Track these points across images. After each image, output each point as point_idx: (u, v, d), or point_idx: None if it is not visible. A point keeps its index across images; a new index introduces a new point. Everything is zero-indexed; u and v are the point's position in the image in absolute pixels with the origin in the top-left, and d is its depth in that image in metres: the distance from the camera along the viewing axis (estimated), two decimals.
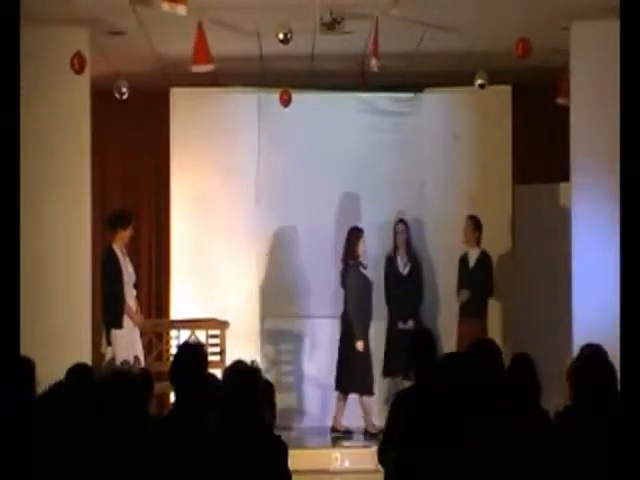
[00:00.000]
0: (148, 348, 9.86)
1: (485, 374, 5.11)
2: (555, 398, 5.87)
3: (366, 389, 10.29)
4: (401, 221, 10.78)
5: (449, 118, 11.31)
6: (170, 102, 11.15)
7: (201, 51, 8.54)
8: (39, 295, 8.64)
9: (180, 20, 8.13)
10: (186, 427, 4.80)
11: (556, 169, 10.45)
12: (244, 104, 11.22)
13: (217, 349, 9.94)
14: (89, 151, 9.15)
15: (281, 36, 8.49)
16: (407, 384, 7.18)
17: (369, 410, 10.34)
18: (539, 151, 11.40)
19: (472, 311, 10.43)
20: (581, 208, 9.08)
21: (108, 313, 9.17)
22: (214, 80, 10.32)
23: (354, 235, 10.48)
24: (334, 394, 10.51)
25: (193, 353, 5.15)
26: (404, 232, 10.71)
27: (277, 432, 4.85)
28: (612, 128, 7.51)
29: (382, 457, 5.80)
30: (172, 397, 5.20)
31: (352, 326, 10.28)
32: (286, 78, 10.48)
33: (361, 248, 10.46)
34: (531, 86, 10.79)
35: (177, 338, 10.01)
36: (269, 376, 5.08)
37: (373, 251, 10.96)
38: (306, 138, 11.17)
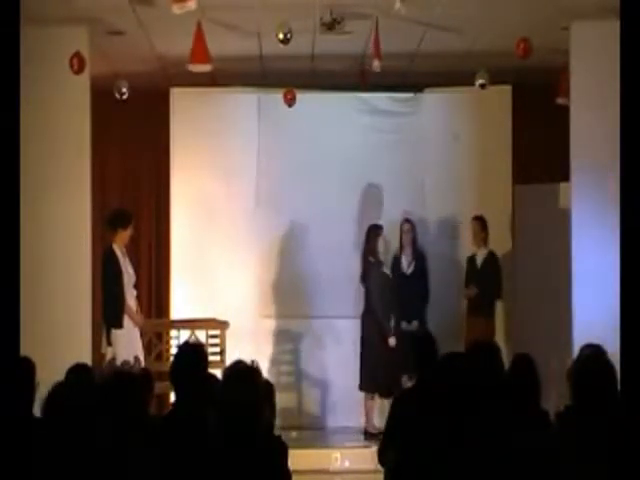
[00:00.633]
0: (148, 348, 9.86)
1: (485, 374, 5.11)
2: (555, 398, 5.88)
3: (385, 391, 10.13)
4: (407, 221, 10.77)
5: (449, 118, 11.31)
6: (170, 102, 11.16)
7: (199, 50, 8.53)
8: (39, 295, 8.64)
9: (180, 20, 8.13)
10: (186, 427, 4.80)
11: (556, 169, 10.45)
12: (244, 104, 11.23)
13: (217, 349, 9.94)
14: (89, 151, 9.15)
15: (281, 36, 8.49)
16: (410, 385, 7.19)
17: (373, 411, 10.33)
18: (539, 151, 11.40)
19: (479, 311, 10.45)
20: (581, 208, 9.08)
21: (108, 313, 9.17)
22: (214, 80, 10.33)
23: (373, 232, 10.49)
24: (354, 395, 10.49)
25: (193, 353, 5.15)
26: (410, 231, 10.70)
27: (277, 432, 4.85)
28: (612, 128, 7.51)
29: (382, 457, 5.80)
30: (172, 397, 5.20)
31: (379, 324, 10.25)
32: (286, 78, 10.48)
33: (381, 245, 10.45)
34: (531, 86, 10.80)
35: (177, 338, 10.02)
36: (269, 376, 5.08)
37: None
38: (306, 138, 11.17)
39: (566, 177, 9.47)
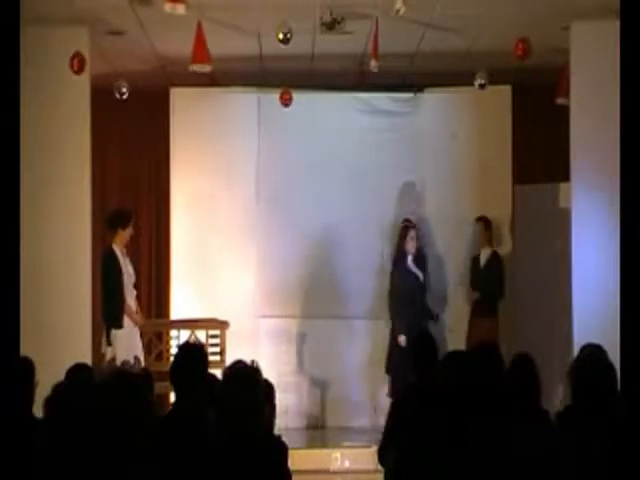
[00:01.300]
0: (148, 348, 9.85)
1: (485, 374, 5.11)
2: (555, 398, 5.88)
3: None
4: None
5: (449, 118, 11.30)
6: (170, 102, 11.15)
7: (200, 51, 8.54)
8: (39, 295, 8.64)
9: (180, 20, 8.13)
10: (186, 427, 4.80)
11: (556, 169, 10.46)
12: (244, 104, 11.22)
13: (217, 349, 9.93)
14: (89, 151, 9.15)
15: (281, 36, 8.49)
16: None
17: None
18: (539, 151, 11.40)
19: (482, 311, 10.47)
20: (581, 208, 9.08)
21: (108, 313, 9.17)
22: (214, 80, 10.33)
23: (402, 230, 10.52)
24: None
25: (193, 353, 5.15)
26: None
27: (277, 432, 4.85)
28: (612, 128, 7.50)
29: (382, 457, 5.80)
30: (172, 397, 5.20)
31: (394, 322, 10.29)
32: (286, 78, 10.48)
33: (410, 244, 10.44)
34: (531, 86, 10.79)
35: (177, 338, 10.01)
36: (269, 376, 5.07)
37: (374, 251, 10.98)
38: (306, 138, 11.17)
39: (566, 177, 9.47)
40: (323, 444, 10.20)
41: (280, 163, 11.19)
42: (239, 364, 4.78)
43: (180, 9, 7.81)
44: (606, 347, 5.06)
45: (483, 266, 10.70)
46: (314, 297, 11.04)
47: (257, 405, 4.61)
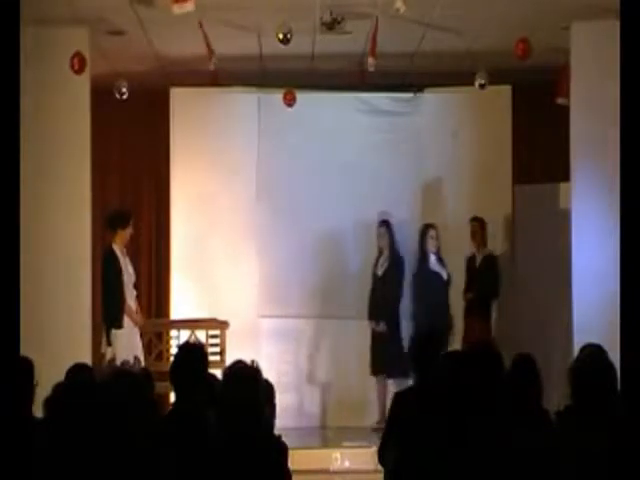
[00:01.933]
0: (148, 348, 9.86)
1: (485, 374, 5.11)
2: (555, 398, 5.87)
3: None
4: (382, 223, 10.78)
5: (449, 118, 11.30)
6: (170, 102, 11.15)
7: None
8: (39, 295, 8.64)
9: (180, 20, 8.13)
10: (186, 427, 4.80)
11: (556, 169, 10.46)
12: (244, 104, 11.22)
13: (217, 349, 9.94)
14: (89, 151, 9.15)
15: (281, 36, 8.49)
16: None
17: None
18: (539, 151, 11.41)
19: (476, 311, 10.46)
20: (581, 208, 9.08)
21: (108, 313, 9.17)
22: (214, 80, 10.33)
23: (422, 230, 10.57)
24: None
25: (193, 353, 5.15)
26: (387, 234, 10.72)
27: (277, 432, 4.85)
28: (612, 128, 7.51)
29: (382, 457, 5.80)
30: (172, 397, 5.20)
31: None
32: (286, 78, 10.48)
33: (430, 243, 10.43)
34: (531, 86, 10.79)
35: (177, 338, 10.02)
36: (269, 376, 5.07)
37: (374, 251, 10.99)
38: (306, 138, 11.16)
39: (566, 177, 9.47)
40: (323, 444, 10.20)
41: (280, 163, 11.19)
42: (239, 364, 4.78)
43: (189, 7, 7.78)
44: (606, 347, 5.06)
45: (478, 266, 10.69)
46: (314, 297, 11.04)
47: (257, 405, 4.61)
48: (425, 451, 4.91)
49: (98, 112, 9.61)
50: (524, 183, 11.08)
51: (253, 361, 4.85)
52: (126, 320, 9.16)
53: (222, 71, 9.84)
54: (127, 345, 9.09)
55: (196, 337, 9.87)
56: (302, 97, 10.36)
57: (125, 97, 10.13)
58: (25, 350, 5.18)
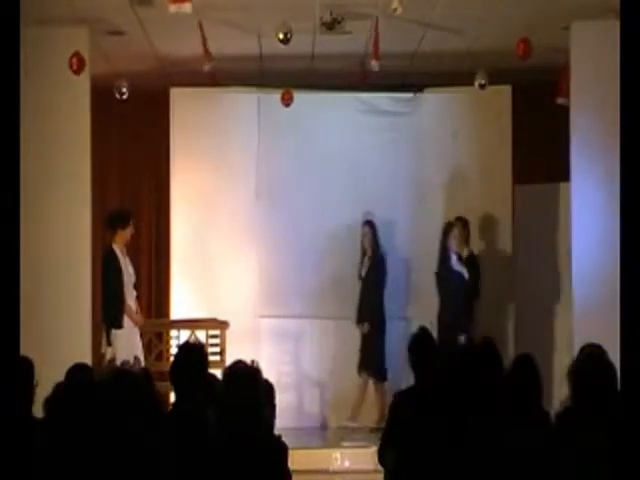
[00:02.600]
0: (148, 348, 9.86)
1: (486, 374, 5.11)
2: (555, 398, 5.88)
3: None
4: (365, 223, 10.77)
5: (449, 118, 11.30)
6: (170, 102, 11.14)
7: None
8: (39, 295, 8.64)
9: (180, 20, 8.14)
10: (186, 427, 4.80)
11: (556, 169, 10.45)
12: (244, 104, 11.22)
13: (217, 349, 9.94)
14: (89, 151, 9.15)
15: (281, 36, 8.49)
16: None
17: None
18: (539, 151, 11.40)
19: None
20: (581, 208, 9.08)
21: (108, 313, 9.17)
22: (214, 80, 10.33)
23: (445, 228, 10.51)
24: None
25: (193, 353, 5.15)
26: (370, 234, 10.71)
27: (277, 432, 4.85)
28: (612, 128, 7.51)
29: (382, 457, 5.80)
30: (172, 397, 5.20)
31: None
32: (286, 78, 10.48)
33: (453, 242, 10.40)
34: (531, 86, 10.79)
35: (177, 338, 10.02)
36: (269, 376, 5.07)
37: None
38: (306, 138, 11.17)
39: (566, 177, 9.47)
40: (323, 444, 10.20)
41: (280, 163, 11.18)
42: (239, 364, 4.79)
43: (186, 8, 7.78)
44: (606, 347, 5.06)
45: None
46: (314, 297, 11.03)
47: (257, 405, 4.61)
48: (425, 451, 4.92)
49: (98, 112, 9.62)
50: (524, 183, 11.08)
51: (253, 361, 4.85)
52: (126, 320, 9.16)
53: (222, 71, 9.85)
54: (127, 345, 9.09)
55: (196, 337, 9.87)
56: (302, 97, 10.36)
57: (125, 97, 10.13)
58: (25, 350, 5.17)
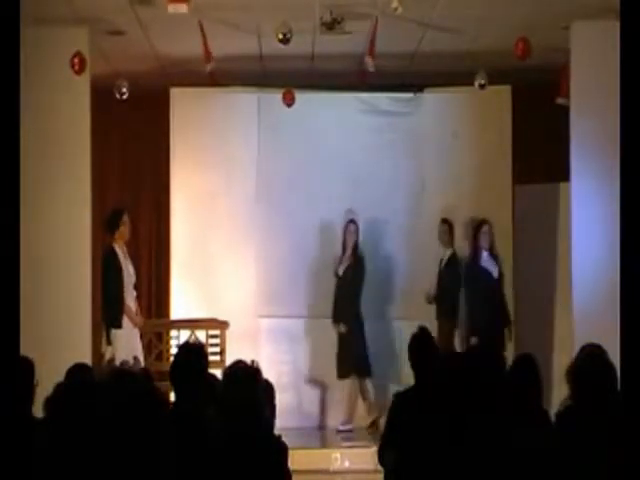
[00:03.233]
0: (148, 348, 9.86)
1: (486, 374, 5.11)
2: (555, 398, 5.87)
3: None
4: (352, 222, 10.76)
5: (449, 118, 11.30)
6: (170, 102, 11.14)
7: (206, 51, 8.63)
8: (39, 295, 8.64)
9: (180, 20, 8.14)
10: (186, 427, 4.80)
11: (556, 169, 10.45)
12: (244, 104, 11.22)
13: (217, 349, 9.95)
14: (89, 151, 9.15)
15: (281, 36, 8.50)
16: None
17: None
18: (539, 151, 11.40)
19: (442, 311, 10.42)
20: (581, 208, 9.08)
21: (108, 313, 9.17)
22: (214, 80, 10.34)
23: (475, 227, 10.48)
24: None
25: (193, 353, 5.15)
26: (355, 233, 10.70)
27: (277, 432, 4.85)
28: (612, 128, 7.51)
29: (382, 457, 5.80)
30: (172, 397, 5.20)
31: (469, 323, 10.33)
32: (286, 78, 10.48)
33: (483, 239, 10.35)
34: (531, 86, 10.79)
35: (177, 338, 10.02)
36: (269, 376, 5.07)
37: (375, 251, 11.01)
38: (306, 138, 11.16)
39: (566, 177, 9.47)
40: (323, 444, 10.20)
41: (280, 163, 11.18)
42: (239, 364, 4.79)
43: (182, 8, 7.80)
44: (606, 347, 5.06)
45: (443, 267, 10.67)
46: (314, 297, 11.04)
47: (257, 405, 4.61)
48: (425, 451, 4.91)
49: (98, 112, 9.62)
50: (524, 183, 11.08)
51: (253, 361, 4.85)
52: (126, 320, 9.16)
53: (222, 71, 9.84)
54: (126, 345, 9.08)
55: (196, 337, 9.88)
56: (302, 97, 10.36)
57: (125, 97, 10.12)
58: (25, 350, 5.17)
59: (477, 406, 4.81)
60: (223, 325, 10.11)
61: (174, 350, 9.43)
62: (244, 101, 11.24)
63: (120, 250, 9.29)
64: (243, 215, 11.12)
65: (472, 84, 9.99)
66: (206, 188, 11.08)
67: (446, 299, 10.48)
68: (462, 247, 10.86)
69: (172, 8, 7.80)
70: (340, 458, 9.45)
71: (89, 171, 9.17)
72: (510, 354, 8.98)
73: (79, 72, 8.58)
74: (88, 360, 8.03)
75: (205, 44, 8.75)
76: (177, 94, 11.15)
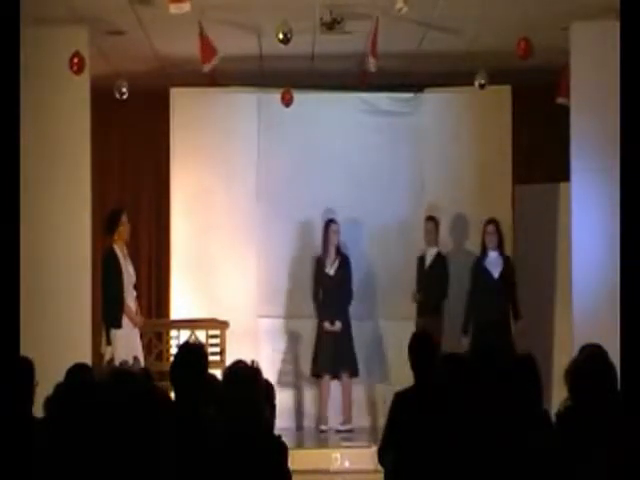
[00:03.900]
0: (148, 348, 9.86)
1: (486, 374, 5.11)
2: (555, 398, 5.87)
3: None
4: (333, 221, 10.73)
5: (449, 118, 11.29)
6: (170, 102, 11.14)
7: (206, 49, 8.59)
8: (39, 295, 8.64)
9: (180, 20, 8.13)
10: (186, 427, 4.80)
11: (556, 169, 10.45)
12: (244, 104, 11.21)
13: (217, 349, 9.95)
14: (89, 151, 9.15)
15: (281, 36, 8.50)
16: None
17: None
18: (539, 151, 11.40)
19: (427, 310, 10.41)
20: (581, 208, 9.09)
21: (108, 313, 9.17)
22: (214, 80, 10.34)
23: (483, 227, 10.43)
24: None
25: (193, 353, 5.15)
26: (338, 232, 10.69)
27: (277, 432, 4.85)
28: (612, 128, 7.52)
29: (382, 457, 5.80)
30: (172, 397, 5.20)
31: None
32: (286, 78, 10.48)
33: (488, 239, 10.31)
34: (531, 86, 10.79)
35: (177, 338, 10.02)
36: (269, 376, 5.08)
37: (373, 250, 11.01)
38: (306, 138, 11.16)
39: (566, 177, 9.48)
40: (323, 444, 10.20)
41: (280, 163, 11.18)
42: (239, 364, 4.79)
43: (185, 7, 7.79)
44: (606, 347, 5.06)
45: (428, 266, 10.65)
46: None
47: (257, 405, 4.61)
48: (425, 451, 4.91)
49: (98, 112, 9.62)
50: (524, 183, 11.08)
51: (253, 361, 4.85)
52: (125, 320, 9.16)
53: (222, 71, 9.84)
54: (126, 345, 9.08)
55: (196, 337, 9.88)
56: (302, 97, 10.36)
57: (125, 97, 10.13)
58: (25, 350, 5.18)
59: (477, 406, 4.81)
60: (223, 325, 10.11)
61: (174, 350, 9.43)
62: (244, 101, 11.23)
63: (120, 251, 9.29)
64: (243, 215, 11.11)
65: (472, 84, 10.00)
66: (206, 188, 11.08)
67: (431, 298, 10.47)
68: (455, 246, 10.90)
69: (174, 8, 7.79)
70: (340, 458, 9.45)
71: (89, 171, 9.17)
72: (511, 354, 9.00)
73: (78, 72, 8.58)
74: (88, 360, 8.03)
75: (203, 44, 8.71)
76: (177, 94, 11.15)
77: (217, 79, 10.36)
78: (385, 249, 11.09)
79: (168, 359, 9.63)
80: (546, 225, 10.62)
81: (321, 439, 10.42)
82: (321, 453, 9.61)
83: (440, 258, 10.66)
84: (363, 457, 9.07)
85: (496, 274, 10.28)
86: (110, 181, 11.75)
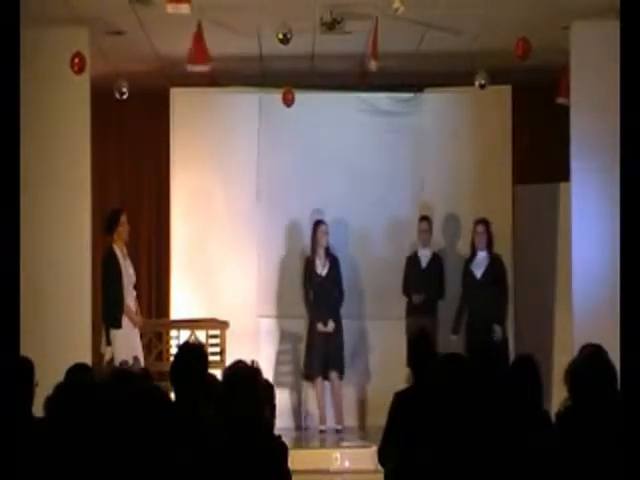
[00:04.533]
0: (148, 348, 9.86)
1: (486, 374, 5.11)
2: (555, 398, 5.87)
3: None
4: (322, 222, 10.71)
5: (449, 118, 11.29)
6: (170, 102, 11.14)
7: (199, 51, 8.55)
8: (39, 295, 8.64)
9: (180, 20, 8.14)
10: (186, 427, 4.80)
11: (556, 169, 10.46)
12: (244, 104, 11.21)
13: (217, 349, 9.94)
14: (89, 151, 9.16)
15: (281, 36, 8.50)
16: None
17: None
18: (539, 151, 11.40)
19: (422, 310, 10.40)
20: (581, 208, 9.09)
21: (108, 313, 9.17)
22: (214, 80, 10.33)
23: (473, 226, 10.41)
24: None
25: (193, 353, 5.15)
26: (327, 233, 10.68)
27: (277, 432, 4.85)
28: (612, 128, 7.52)
29: (382, 457, 5.80)
30: (172, 397, 5.20)
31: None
32: (286, 78, 10.48)
33: (477, 240, 10.27)
34: (531, 86, 10.79)
35: (177, 338, 10.02)
36: (269, 376, 5.09)
37: (373, 250, 11.01)
38: (306, 138, 11.16)
39: (566, 177, 9.48)
40: (323, 444, 10.20)
41: (280, 163, 11.18)
42: (239, 364, 4.79)
43: (184, 9, 7.80)
44: (606, 347, 5.06)
45: (424, 267, 10.63)
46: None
47: (257, 405, 4.61)
48: (425, 451, 4.91)
49: (98, 112, 9.62)
50: (524, 183, 11.08)
51: (253, 361, 4.85)
52: (125, 320, 9.16)
53: (222, 71, 9.85)
54: (126, 345, 9.09)
55: (196, 337, 9.88)
56: (302, 97, 10.36)
57: (125, 97, 10.13)
58: (25, 350, 5.17)
59: (476, 406, 4.81)
60: (223, 325, 10.11)
61: (174, 350, 9.43)
62: (244, 101, 11.23)
63: (119, 251, 9.29)
64: (243, 215, 11.11)
65: (472, 84, 9.99)
66: (206, 188, 11.08)
67: (428, 298, 10.46)
68: (456, 246, 10.90)
69: (171, 8, 7.80)
70: (340, 458, 9.45)
71: (89, 171, 9.17)
72: (511, 354, 9.00)
73: (79, 72, 8.58)
74: (88, 360, 8.03)
75: (196, 44, 8.68)
76: (177, 94, 11.15)
77: (217, 79, 10.36)
78: (385, 249, 11.09)
79: (168, 359, 9.63)
80: (546, 225, 10.62)
81: (321, 439, 10.42)
82: (321, 453, 9.62)
83: (436, 258, 10.66)
84: (363, 457, 9.07)
85: (479, 274, 10.27)
86: (110, 181, 11.75)
